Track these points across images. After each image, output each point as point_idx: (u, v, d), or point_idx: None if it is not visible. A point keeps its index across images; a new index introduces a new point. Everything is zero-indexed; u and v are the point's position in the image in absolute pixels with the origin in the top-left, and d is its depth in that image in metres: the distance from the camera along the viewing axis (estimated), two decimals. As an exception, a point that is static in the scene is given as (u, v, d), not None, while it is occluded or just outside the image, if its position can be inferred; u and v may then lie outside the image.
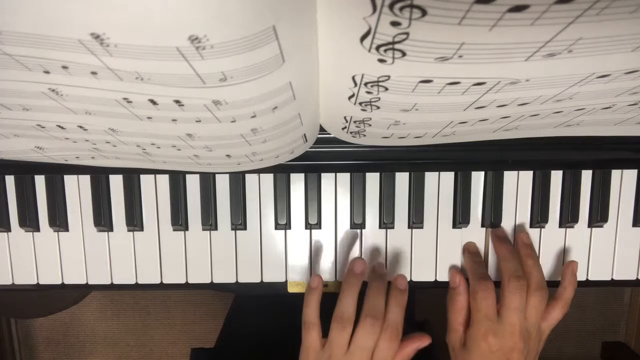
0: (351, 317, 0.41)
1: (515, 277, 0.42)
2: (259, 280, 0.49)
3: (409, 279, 0.49)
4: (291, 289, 0.49)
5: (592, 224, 0.49)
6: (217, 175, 0.48)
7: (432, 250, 0.49)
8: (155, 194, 0.48)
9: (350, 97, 0.29)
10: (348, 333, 0.40)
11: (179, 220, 0.48)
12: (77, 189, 0.49)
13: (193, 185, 0.48)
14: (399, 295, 0.43)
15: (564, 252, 0.49)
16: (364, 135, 0.39)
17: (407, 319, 0.47)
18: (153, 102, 0.25)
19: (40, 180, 0.48)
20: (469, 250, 0.48)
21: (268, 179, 0.48)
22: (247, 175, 0.48)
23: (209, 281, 0.49)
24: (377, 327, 0.40)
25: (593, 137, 0.42)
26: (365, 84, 0.26)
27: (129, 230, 0.49)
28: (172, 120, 0.28)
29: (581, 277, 0.49)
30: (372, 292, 0.42)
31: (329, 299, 0.45)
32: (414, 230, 0.49)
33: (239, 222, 0.48)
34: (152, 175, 0.48)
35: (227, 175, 0.48)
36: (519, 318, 0.41)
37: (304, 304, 0.43)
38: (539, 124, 0.36)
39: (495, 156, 0.45)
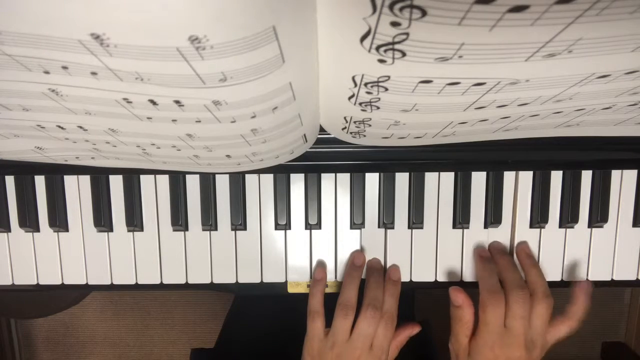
0: (354, 305, 0.44)
1: (519, 287, 0.42)
2: (259, 281, 0.49)
3: (409, 279, 0.49)
4: (291, 290, 0.49)
5: (592, 224, 0.49)
6: (217, 176, 0.48)
7: (432, 250, 0.49)
8: (155, 194, 0.48)
9: (350, 98, 0.29)
10: (350, 320, 0.43)
11: (179, 220, 0.48)
12: (77, 189, 0.49)
13: (193, 185, 0.48)
14: (392, 286, 0.46)
15: (564, 252, 0.49)
16: (364, 136, 0.39)
17: (407, 318, 0.48)
18: (153, 102, 0.25)
19: (40, 180, 0.48)
20: (481, 256, 0.47)
21: (268, 179, 0.48)
22: (247, 176, 0.48)
23: (209, 281, 0.49)
24: (377, 315, 0.43)
25: (593, 137, 0.42)
26: (365, 85, 0.26)
27: (129, 231, 0.49)
28: (172, 121, 0.28)
29: (581, 277, 0.50)
30: (371, 285, 0.45)
31: (329, 299, 0.45)
32: (414, 230, 0.49)
33: (239, 222, 0.48)
34: (152, 176, 0.48)
35: (227, 176, 0.48)
36: (524, 327, 0.41)
37: (309, 294, 0.46)
38: (539, 124, 0.36)
39: (495, 156, 0.45)
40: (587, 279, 0.48)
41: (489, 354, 0.42)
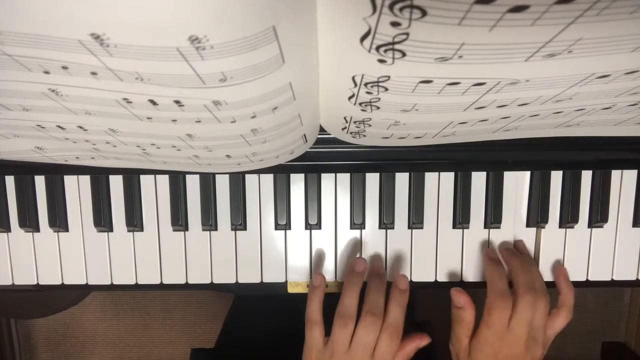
0: (353, 314, 0.42)
1: (530, 290, 0.42)
2: (259, 281, 0.49)
3: (409, 279, 0.49)
4: (291, 290, 0.49)
5: (592, 224, 0.49)
6: (217, 176, 0.48)
7: (432, 250, 0.49)
8: (155, 194, 0.48)
9: (350, 98, 0.29)
10: (350, 330, 0.41)
11: (179, 220, 0.48)
12: (77, 189, 0.49)
13: (193, 185, 0.48)
14: (399, 295, 0.43)
15: (564, 252, 0.49)
16: (364, 136, 0.39)
17: (407, 319, 0.47)
18: (153, 102, 0.25)
19: (40, 180, 0.48)
20: (491, 257, 0.46)
21: (268, 179, 0.48)
22: (247, 176, 0.48)
23: (209, 281, 0.49)
24: (377, 323, 0.41)
25: (593, 137, 0.42)
26: (365, 85, 0.26)
27: (129, 231, 0.49)
28: (172, 121, 0.28)
29: (581, 277, 0.50)
30: (372, 291, 0.43)
31: (330, 299, 0.45)
32: (414, 230, 0.49)
33: (239, 222, 0.48)
34: (152, 176, 0.48)
35: (227, 176, 0.48)
36: (526, 329, 0.41)
37: (307, 302, 0.44)
38: (539, 124, 0.36)
39: (495, 156, 0.45)
40: (560, 267, 0.49)
41: (489, 352, 0.42)
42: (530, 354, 0.42)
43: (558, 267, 0.48)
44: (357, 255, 0.49)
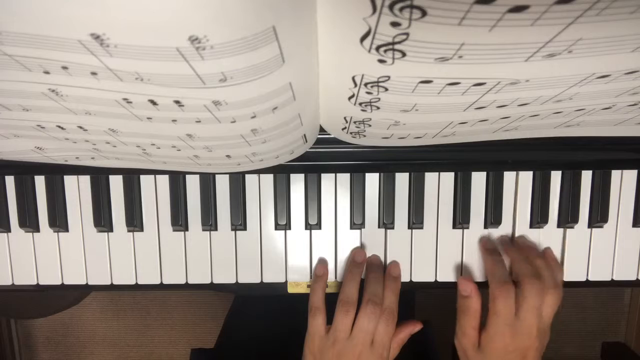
0: (355, 301, 0.44)
1: (535, 277, 0.42)
2: (258, 281, 0.49)
3: (409, 279, 0.49)
4: (291, 290, 0.49)
5: (592, 224, 0.49)
6: (217, 176, 0.48)
7: (432, 250, 0.49)
8: (155, 194, 0.48)
9: (350, 98, 0.29)
10: (351, 317, 0.43)
11: (179, 220, 0.48)
12: (77, 189, 0.49)
13: (193, 185, 0.48)
14: (392, 282, 0.45)
15: (564, 252, 0.49)
16: (364, 136, 0.39)
17: (407, 319, 0.47)
18: (153, 102, 0.25)
19: (40, 181, 0.48)
20: (486, 247, 0.47)
21: (268, 179, 0.48)
22: (247, 176, 0.48)
23: (209, 281, 0.49)
24: (377, 311, 0.43)
25: (593, 137, 0.42)
26: (365, 85, 0.26)
27: (129, 231, 0.49)
28: (172, 121, 0.28)
29: (581, 277, 0.50)
30: (371, 281, 0.45)
31: (330, 300, 0.45)
32: (414, 230, 0.49)
33: (239, 222, 0.48)
34: (152, 176, 0.48)
35: (227, 176, 0.48)
36: (536, 318, 0.41)
37: (310, 291, 0.46)
38: (539, 124, 0.36)
39: (495, 156, 0.45)
40: (545, 247, 0.49)
41: (500, 344, 0.42)
42: (540, 345, 0.42)
43: (544, 248, 0.48)
44: (357, 255, 0.49)
